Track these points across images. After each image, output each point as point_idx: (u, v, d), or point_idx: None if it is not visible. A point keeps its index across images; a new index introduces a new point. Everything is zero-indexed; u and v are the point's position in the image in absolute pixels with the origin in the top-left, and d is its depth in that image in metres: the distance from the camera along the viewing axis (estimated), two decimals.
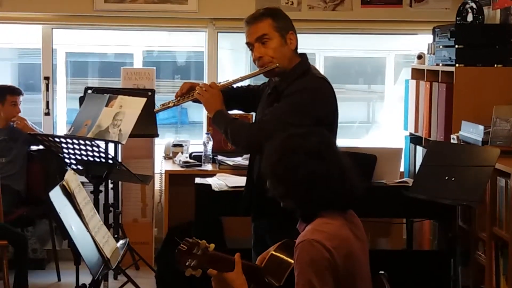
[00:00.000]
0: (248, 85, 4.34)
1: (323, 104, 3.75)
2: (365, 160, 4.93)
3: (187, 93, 3.97)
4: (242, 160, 5.91)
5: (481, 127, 4.88)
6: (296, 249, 2.77)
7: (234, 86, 4.15)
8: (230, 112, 3.97)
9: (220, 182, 4.92)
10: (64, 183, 3.47)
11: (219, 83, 4.01)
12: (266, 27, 3.73)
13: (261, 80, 4.12)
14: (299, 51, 3.87)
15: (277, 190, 2.94)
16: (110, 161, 5.04)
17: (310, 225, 2.85)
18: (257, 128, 3.79)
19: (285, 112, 3.67)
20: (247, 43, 3.84)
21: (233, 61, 7.41)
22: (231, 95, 4.06)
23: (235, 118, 3.88)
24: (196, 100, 3.94)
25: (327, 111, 3.77)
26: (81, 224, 3.46)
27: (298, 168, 2.85)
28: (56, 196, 3.37)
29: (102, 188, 5.23)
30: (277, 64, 3.73)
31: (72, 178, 3.57)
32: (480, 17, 5.57)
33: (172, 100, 4.01)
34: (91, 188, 5.03)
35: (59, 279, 5.98)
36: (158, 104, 4.92)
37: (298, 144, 2.90)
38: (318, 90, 3.74)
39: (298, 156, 2.86)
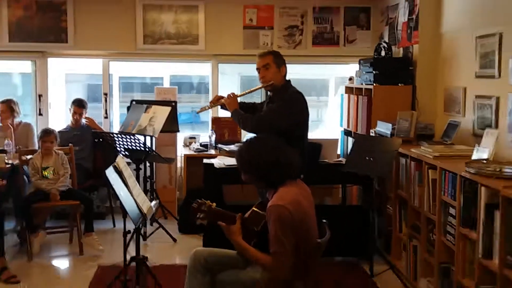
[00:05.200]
0: (255, 102, 4.72)
1: (299, 110, 4.20)
2: (315, 147, 5.03)
3: (217, 101, 4.44)
4: (235, 147, 5.94)
5: (390, 125, 5.05)
6: (267, 210, 2.88)
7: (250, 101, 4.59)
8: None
9: (220, 162, 5.00)
10: (115, 164, 3.60)
11: (237, 94, 4.43)
12: (269, 59, 4.24)
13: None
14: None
15: (247, 175, 3.09)
16: (146, 149, 5.25)
17: (275, 194, 2.97)
18: (257, 119, 4.21)
19: (273, 111, 4.14)
20: (257, 69, 4.29)
21: (228, 81, 7.41)
22: (247, 106, 4.51)
23: (245, 114, 4.29)
24: (222, 106, 4.42)
25: (300, 113, 4.22)
26: (127, 191, 3.58)
27: (258, 159, 3.05)
28: (110, 172, 3.52)
29: (141, 166, 5.44)
30: (273, 82, 4.23)
31: (121, 161, 3.69)
32: (390, 52, 5.75)
33: (207, 105, 4.47)
34: (134, 166, 5.29)
35: (114, 226, 6.19)
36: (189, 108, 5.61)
37: (257, 143, 3.12)
38: (296, 100, 4.20)
39: (257, 151, 3.05)
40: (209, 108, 4.49)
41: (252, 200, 3.79)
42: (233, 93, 4.35)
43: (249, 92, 4.42)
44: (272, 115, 4.10)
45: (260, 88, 4.36)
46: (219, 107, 4.53)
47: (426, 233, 4.36)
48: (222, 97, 4.39)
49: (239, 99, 4.47)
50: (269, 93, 4.42)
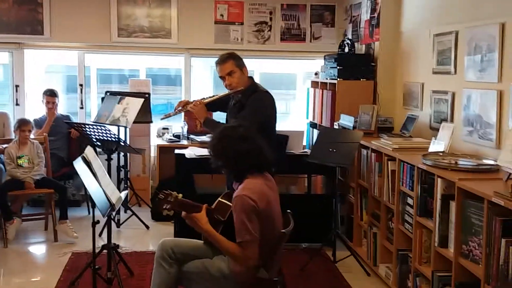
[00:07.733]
0: (219, 96, 4.27)
1: (269, 108, 4.03)
2: (282, 138, 4.97)
3: (183, 107, 4.10)
4: (206, 138, 5.90)
5: (352, 118, 5.04)
6: (233, 200, 2.81)
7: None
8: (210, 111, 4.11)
9: (191, 152, 4.97)
10: (84, 155, 3.43)
11: (203, 98, 4.12)
12: (231, 66, 3.96)
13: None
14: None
15: (217, 163, 2.95)
16: (117, 140, 5.15)
17: (241, 184, 2.89)
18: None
19: (246, 119, 3.81)
20: (220, 76, 3.98)
21: (201, 75, 7.38)
22: (214, 103, 4.18)
23: (217, 122, 4.02)
24: (187, 111, 4.13)
25: (271, 111, 4.05)
26: (96, 181, 3.40)
27: (229, 148, 2.90)
28: (79, 163, 3.39)
29: (115, 156, 5.32)
30: (242, 88, 3.97)
31: (90, 152, 3.51)
32: (353, 49, 5.72)
33: (171, 112, 4.15)
34: (106, 156, 5.21)
35: (89, 213, 6.02)
36: (157, 111, 5.15)
37: (229, 132, 2.98)
38: (265, 101, 4.01)
39: (229, 140, 2.92)
40: (173, 114, 4.15)
41: (222, 189, 3.73)
42: (199, 100, 4.08)
43: (217, 99, 4.13)
44: (246, 123, 3.69)
45: (229, 94, 4.08)
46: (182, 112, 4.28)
47: (385, 221, 4.36)
48: (188, 102, 4.13)
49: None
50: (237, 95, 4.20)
